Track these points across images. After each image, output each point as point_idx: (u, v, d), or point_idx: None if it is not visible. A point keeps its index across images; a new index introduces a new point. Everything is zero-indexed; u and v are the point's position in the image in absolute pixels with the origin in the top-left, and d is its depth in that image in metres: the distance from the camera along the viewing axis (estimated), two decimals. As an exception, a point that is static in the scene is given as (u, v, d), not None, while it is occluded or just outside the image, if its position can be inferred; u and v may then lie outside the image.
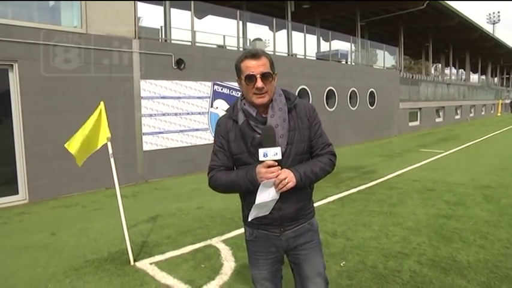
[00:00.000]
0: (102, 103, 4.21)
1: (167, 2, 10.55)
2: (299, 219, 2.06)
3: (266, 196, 1.86)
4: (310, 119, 2.04)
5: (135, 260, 4.15)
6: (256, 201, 1.87)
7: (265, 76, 1.90)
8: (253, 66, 1.89)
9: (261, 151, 1.83)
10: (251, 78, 1.89)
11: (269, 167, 1.82)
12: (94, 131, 4.11)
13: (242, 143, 1.97)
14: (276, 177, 1.83)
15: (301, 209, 2.06)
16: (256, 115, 1.95)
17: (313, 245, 2.12)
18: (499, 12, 68.80)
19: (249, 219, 1.98)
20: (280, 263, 2.17)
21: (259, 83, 1.89)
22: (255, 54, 1.92)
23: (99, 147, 4.19)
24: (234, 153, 2.01)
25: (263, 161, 1.83)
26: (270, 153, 1.81)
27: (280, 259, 2.16)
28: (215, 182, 2.05)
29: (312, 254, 2.11)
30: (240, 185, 1.95)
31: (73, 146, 4.07)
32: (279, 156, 1.82)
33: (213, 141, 2.13)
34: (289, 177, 1.85)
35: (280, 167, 1.85)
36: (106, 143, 4.15)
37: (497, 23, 68.00)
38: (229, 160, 2.04)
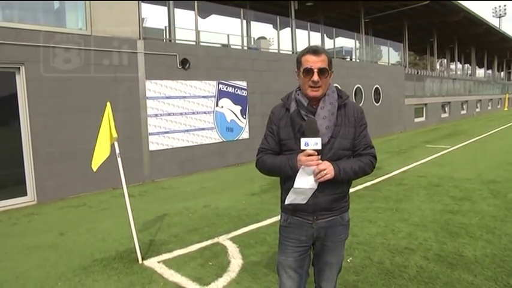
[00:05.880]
0: (108, 104, 4.25)
1: (171, 2, 10.58)
2: (332, 210, 2.16)
3: (305, 183, 1.97)
4: (357, 120, 2.16)
5: (143, 259, 4.20)
6: (295, 185, 1.98)
7: (322, 71, 2.03)
8: (312, 61, 2.02)
9: (303, 140, 1.94)
10: (309, 72, 2.03)
11: (309, 155, 1.92)
12: (105, 133, 4.17)
13: (290, 130, 2.10)
14: (317, 166, 1.94)
15: (336, 201, 2.15)
16: (307, 105, 2.08)
17: (341, 239, 2.27)
18: (505, 5, 68.13)
19: (286, 203, 2.09)
20: (307, 253, 2.26)
21: (316, 77, 2.01)
22: (316, 50, 2.05)
23: (109, 149, 4.22)
24: (282, 139, 2.14)
25: (304, 150, 1.94)
26: (311, 143, 1.92)
27: (308, 249, 2.26)
28: (261, 164, 2.21)
29: (337, 248, 2.27)
30: (281, 169, 2.08)
31: (95, 160, 4.18)
32: (319, 146, 1.93)
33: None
34: (328, 169, 1.96)
35: (320, 157, 1.95)
36: (113, 143, 4.20)
37: (503, 16, 67.52)
38: (277, 145, 2.18)
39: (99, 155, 4.17)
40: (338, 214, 2.19)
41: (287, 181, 2.11)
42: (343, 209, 2.21)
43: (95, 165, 4.18)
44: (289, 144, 2.09)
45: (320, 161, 1.94)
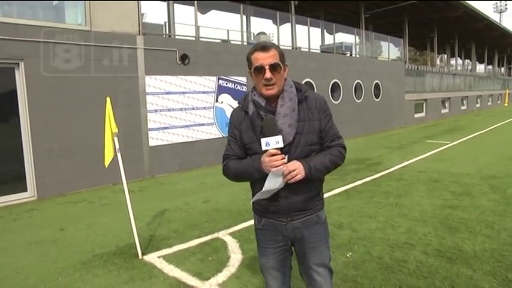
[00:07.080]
0: (108, 99, 4.25)
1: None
2: (307, 209, 2.09)
3: (273, 184, 1.90)
4: (320, 111, 2.06)
5: (143, 254, 4.21)
6: (264, 188, 1.92)
7: (273, 67, 1.94)
8: (262, 58, 1.94)
9: (263, 141, 1.87)
10: (260, 70, 1.94)
11: (272, 155, 1.86)
12: (109, 129, 4.17)
13: (252, 133, 2.02)
14: (286, 167, 1.86)
15: (309, 200, 2.08)
16: (265, 105, 2.00)
17: (320, 239, 2.15)
18: (506, 0, 67.73)
19: (251, 201, 2.05)
20: (288, 252, 2.20)
21: (268, 74, 1.93)
22: (264, 47, 1.97)
23: (113, 142, 4.21)
24: (246, 143, 2.07)
25: (267, 150, 1.87)
26: (272, 142, 1.86)
27: (288, 248, 2.18)
28: (227, 171, 2.14)
29: (318, 247, 2.14)
30: (247, 173, 2.02)
31: (107, 156, 4.17)
32: (280, 145, 1.86)
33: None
34: (298, 170, 1.89)
35: (283, 155, 1.88)
36: (113, 139, 4.19)
37: (504, 11, 67.26)
38: (241, 150, 2.11)
39: (109, 152, 4.18)
40: (313, 213, 2.11)
41: (257, 184, 2.02)
42: (317, 207, 2.14)
43: (107, 161, 4.19)
44: (254, 148, 2.01)
45: (285, 160, 1.87)
